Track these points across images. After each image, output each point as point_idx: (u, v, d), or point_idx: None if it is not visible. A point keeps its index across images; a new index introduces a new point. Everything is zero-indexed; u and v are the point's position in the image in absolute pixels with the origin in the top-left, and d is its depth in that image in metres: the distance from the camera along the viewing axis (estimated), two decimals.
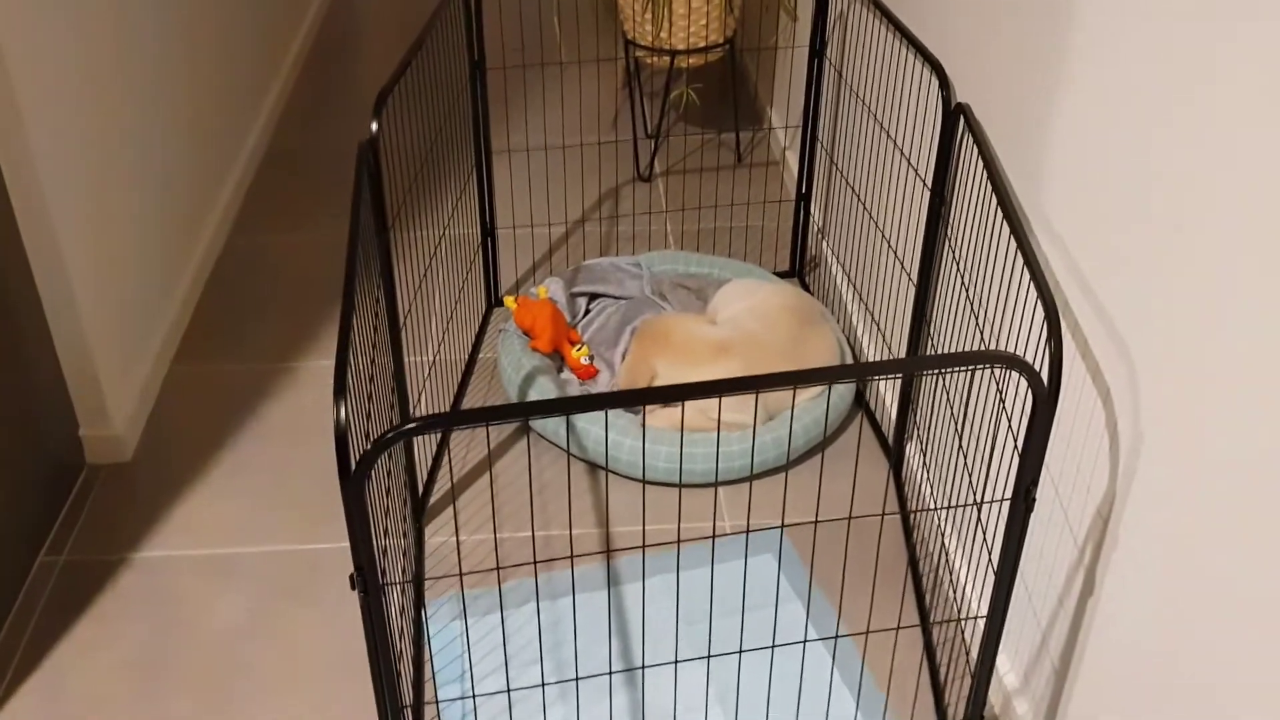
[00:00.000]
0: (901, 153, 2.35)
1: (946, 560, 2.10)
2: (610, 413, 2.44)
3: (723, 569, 2.23)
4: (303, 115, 3.90)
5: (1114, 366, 1.54)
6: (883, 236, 2.50)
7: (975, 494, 1.88)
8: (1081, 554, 1.67)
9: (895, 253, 2.42)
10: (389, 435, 1.25)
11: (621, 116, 3.85)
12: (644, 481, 2.43)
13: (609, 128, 3.78)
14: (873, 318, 2.60)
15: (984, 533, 1.67)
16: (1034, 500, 1.49)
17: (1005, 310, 1.84)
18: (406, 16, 4.72)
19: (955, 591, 2.09)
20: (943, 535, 2.14)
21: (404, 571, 1.99)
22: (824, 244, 3.00)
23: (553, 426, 2.46)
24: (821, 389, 2.52)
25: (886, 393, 2.54)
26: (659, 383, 2.48)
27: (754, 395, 2.44)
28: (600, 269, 2.90)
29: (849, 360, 2.62)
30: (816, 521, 2.32)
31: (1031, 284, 1.66)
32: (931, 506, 2.17)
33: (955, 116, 2.02)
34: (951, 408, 2.07)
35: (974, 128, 1.90)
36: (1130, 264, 1.49)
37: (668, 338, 2.49)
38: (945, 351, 2.14)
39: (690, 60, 3.35)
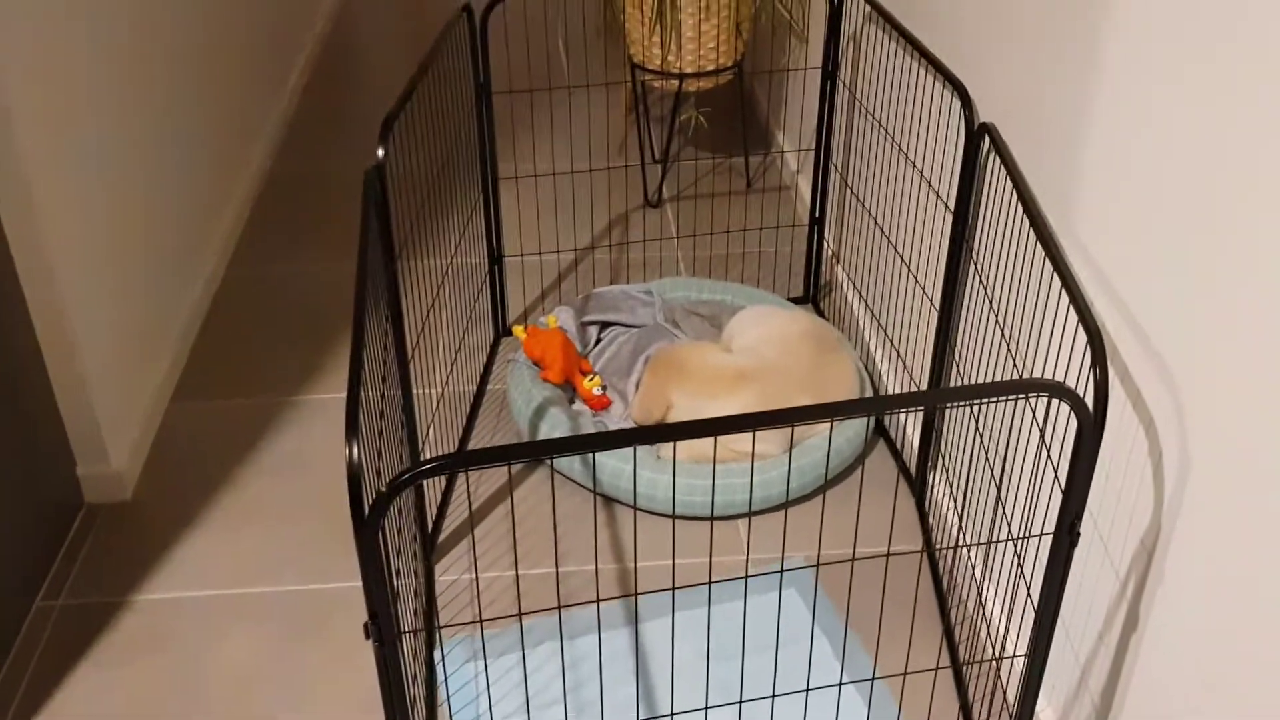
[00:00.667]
0: (921, 175, 2.29)
1: (979, 597, 2.02)
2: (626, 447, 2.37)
3: (749, 605, 2.16)
4: (303, 141, 3.85)
5: (1157, 393, 1.48)
6: (902, 261, 2.44)
7: (1011, 528, 1.81)
8: (1124, 588, 1.60)
9: (916, 277, 2.36)
10: (404, 477, 1.18)
11: (629, 142, 3.80)
12: (674, 517, 2.36)
13: (616, 153, 3.73)
14: (892, 344, 2.54)
15: (1021, 569, 1.60)
16: (1079, 535, 1.43)
17: (1038, 336, 1.78)
18: (408, 40, 4.69)
19: (989, 629, 2.01)
20: (974, 571, 2.07)
21: (415, 613, 1.91)
22: (838, 269, 2.94)
23: (566, 460, 2.40)
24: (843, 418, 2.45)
25: (907, 420, 2.47)
26: (675, 413, 2.41)
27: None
28: (611, 297, 2.83)
29: (868, 388, 2.55)
30: (853, 559, 2.24)
31: (1071, 308, 1.60)
32: (965, 542, 2.10)
33: (979, 137, 1.96)
34: (981, 437, 2.00)
35: (1000, 148, 1.84)
36: (1172, 285, 1.43)
37: (683, 367, 2.42)
38: (973, 380, 2.08)
39: (699, 84, 3.30)
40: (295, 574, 2.23)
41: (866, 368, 2.67)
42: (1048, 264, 1.72)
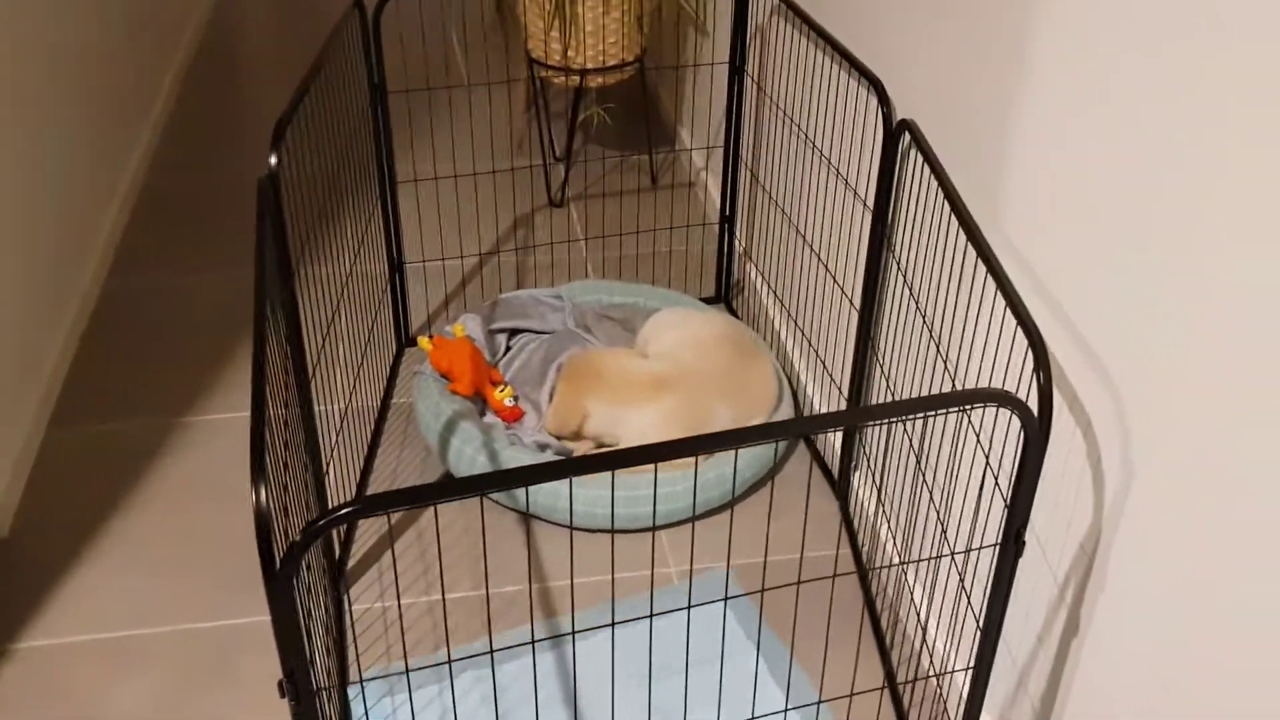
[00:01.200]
0: (837, 172, 2.24)
1: (915, 610, 1.98)
2: (540, 457, 2.28)
3: (673, 621, 2.09)
4: (183, 148, 3.66)
5: (1095, 394, 1.44)
6: (819, 260, 2.39)
7: (949, 540, 1.77)
8: (1063, 593, 1.57)
9: (834, 277, 2.31)
10: (319, 523, 1.08)
11: (528, 140, 3.70)
12: (613, 531, 2.28)
13: (516, 152, 3.62)
14: (810, 345, 2.49)
15: (962, 581, 1.56)
16: (1024, 544, 1.38)
17: (969, 338, 1.74)
18: (287, 40, 4.50)
19: (926, 642, 1.97)
20: (908, 583, 2.03)
21: (328, 651, 1.80)
22: (750, 268, 2.89)
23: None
24: (763, 418, 2.39)
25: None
26: (592, 423, 2.33)
27: (694, 430, 2.30)
28: (519, 302, 2.74)
29: (787, 391, 2.50)
30: (799, 583, 2.19)
31: (1007, 311, 1.56)
32: (903, 557, 2.05)
33: (898, 133, 1.91)
34: (913, 444, 1.96)
35: (922, 145, 1.80)
36: (1108, 284, 1.39)
37: (599, 375, 2.34)
38: (899, 384, 2.04)
39: (601, 80, 3.22)
40: (195, 611, 2.09)
41: (784, 369, 2.62)
42: (978, 264, 1.68)
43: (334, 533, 2.17)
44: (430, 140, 3.58)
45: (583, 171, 3.53)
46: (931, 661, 1.91)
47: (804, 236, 2.46)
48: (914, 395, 1.97)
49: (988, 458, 1.61)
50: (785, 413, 2.43)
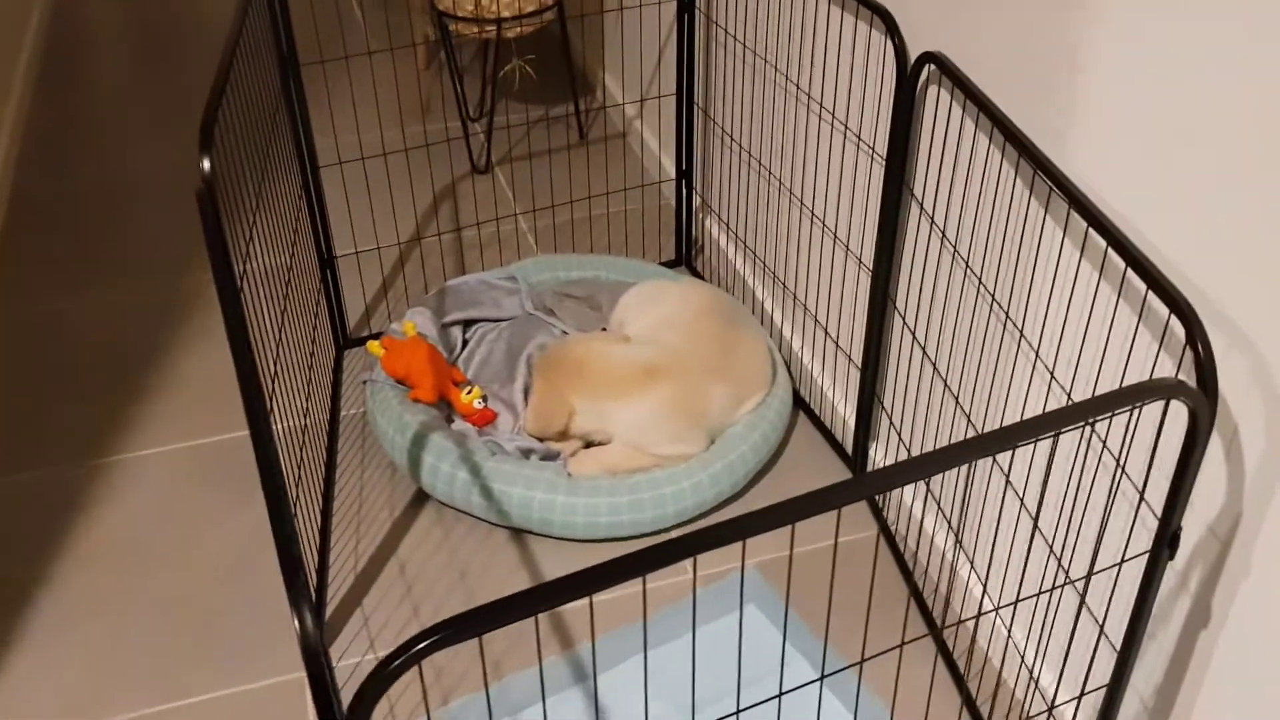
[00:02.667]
0: (833, 116, 2.00)
1: (1005, 631, 1.80)
2: (531, 469, 2.02)
3: (704, 634, 1.87)
4: (42, 156, 3.23)
5: (1227, 358, 1.25)
6: (813, 217, 2.16)
7: (1058, 557, 1.56)
8: (1184, 580, 1.39)
9: (835, 235, 2.08)
10: (394, 663, 0.82)
11: (435, 104, 3.37)
12: (579, 543, 2.03)
13: (425, 118, 3.29)
14: (805, 308, 2.27)
15: (1084, 601, 1.37)
16: (1177, 548, 1.19)
17: (1034, 289, 1.53)
18: (135, 25, 4.04)
19: (996, 653, 1.79)
20: (998, 617, 1.84)
21: None
22: (714, 226, 2.64)
23: (463, 493, 2.02)
24: (760, 396, 2.17)
25: (830, 388, 2.22)
26: (579, 421, 2.08)
27: (692, 418, 2.07)
28: (469, 289, 2.45)
29: (779, 364, 2.28)
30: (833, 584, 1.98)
31: (1128, 271, 1.34)
32: (993, 598, 1.86)
33: (916, 70, 1.69)
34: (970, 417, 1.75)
35: (959, 79, 1.57)
36: (1222, 235, 1.20)
37: (580, 367, 2.08)
38: (942, 347, 1.83)
39: (520, 28, 2.91)
40: (147, 693, 1.79)
41: (769, 335, 2.40)
42: (1046, 210, 1.47)
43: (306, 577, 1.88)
44: (329, 115, 3.22)
45: (504, 133, 3.23)
46: (1038, 691, 1.73)
47: (791, 191, 2.22)
48: (965, 362, 1.77)
49: (1121, 460, 1.41)
50: (781, 385, 2.22)
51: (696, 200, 2.71)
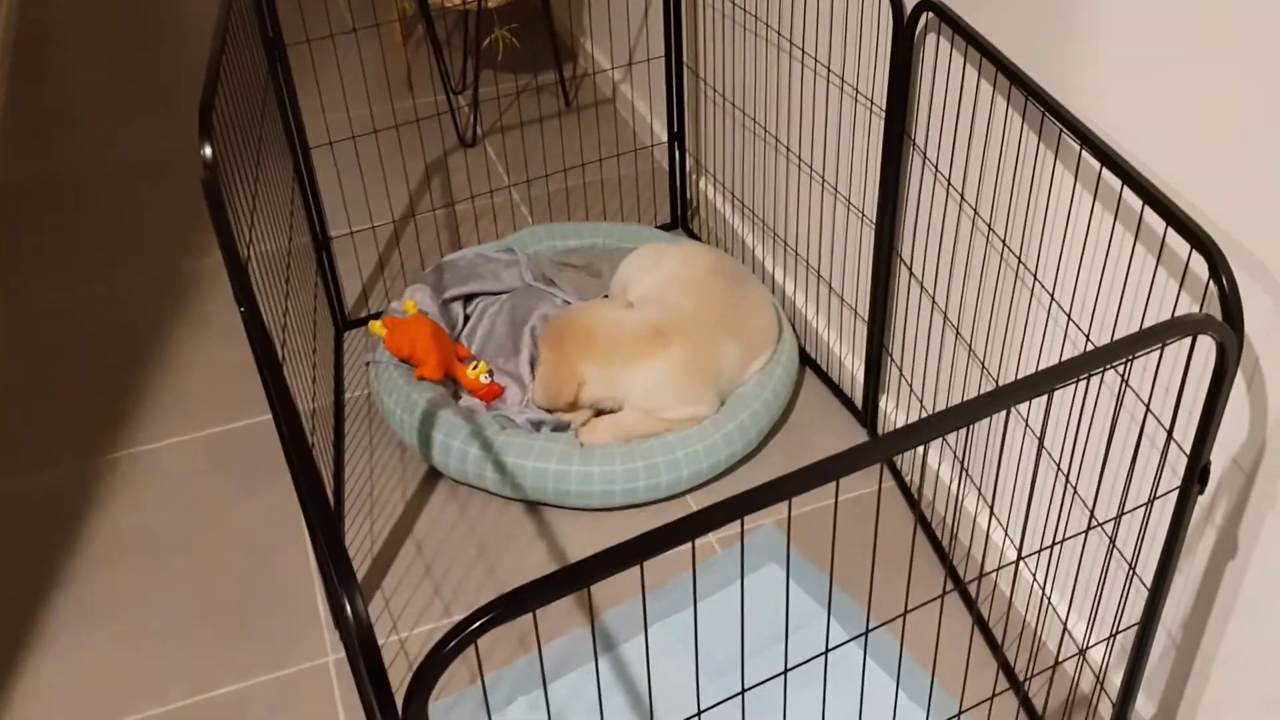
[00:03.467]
0: (828, 70, 1.99)
1: (1031, 578, 1.80)
2: (543, 440, 2.01)
3: (727, 595, 1.87)
4: (23, 145, 3.19)
5: (1248, 289, 1.25)
6: (812, 173, 2.15)
7: (1080, 498, 1.56)
8: (1210, 514, 1.40)
9: (836, 190, 2.07)
10: (449, 645, 0.81)
11: (420, 79, 3.33)
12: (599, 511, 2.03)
13: (408, 93, 3.26)
14: (807, 265, 2.26)
15: (1112, 541, 1.37)
16: (1206, 484, 1.20)
17: (1045, 232, 1.53)
18: (111, 10, 3.98)
19: (1017, 594, 1.80)
20: (1007, 535, 1.84)
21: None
22: (710, 187, 2.63)
23: (476, 469, 2.02)
24: (769, 354, 2.17)
25: (837, 343, 2.22)
26: (589, 389, 2.07)
27: (704, 378, 2.07)
28: (467, 263, 2.43)
29: (783, 316, 2.27)
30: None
31: (1145, 210, 1.34)
32: (1015, 540, 1.86)
33: (914, 19, 1.67)
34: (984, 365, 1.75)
35: (961, 27, 1.56)
36: (1238, 169, 1.19)
37: (587, 334, 2.07)
38: (952, 294, 1.82)
39: None
40: (180, 686, 1.79)
41: (771, 291, 2.39)
42: (1056, 154, 1.46)
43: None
44: (317, 96, 3.19)
45: (490, 105, 3.20)
46: (1069, 637, 1.74)
47: (788, 148, 2.20)
48: (976, 310, 1.77)
49: (1146, 400, 1.41)
50: (788, 341, 2.21)
51: (690, 163, 2.69)
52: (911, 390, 1.99)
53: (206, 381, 2.35)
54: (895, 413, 2.07)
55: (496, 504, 2.06)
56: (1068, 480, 1.44)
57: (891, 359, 2.04)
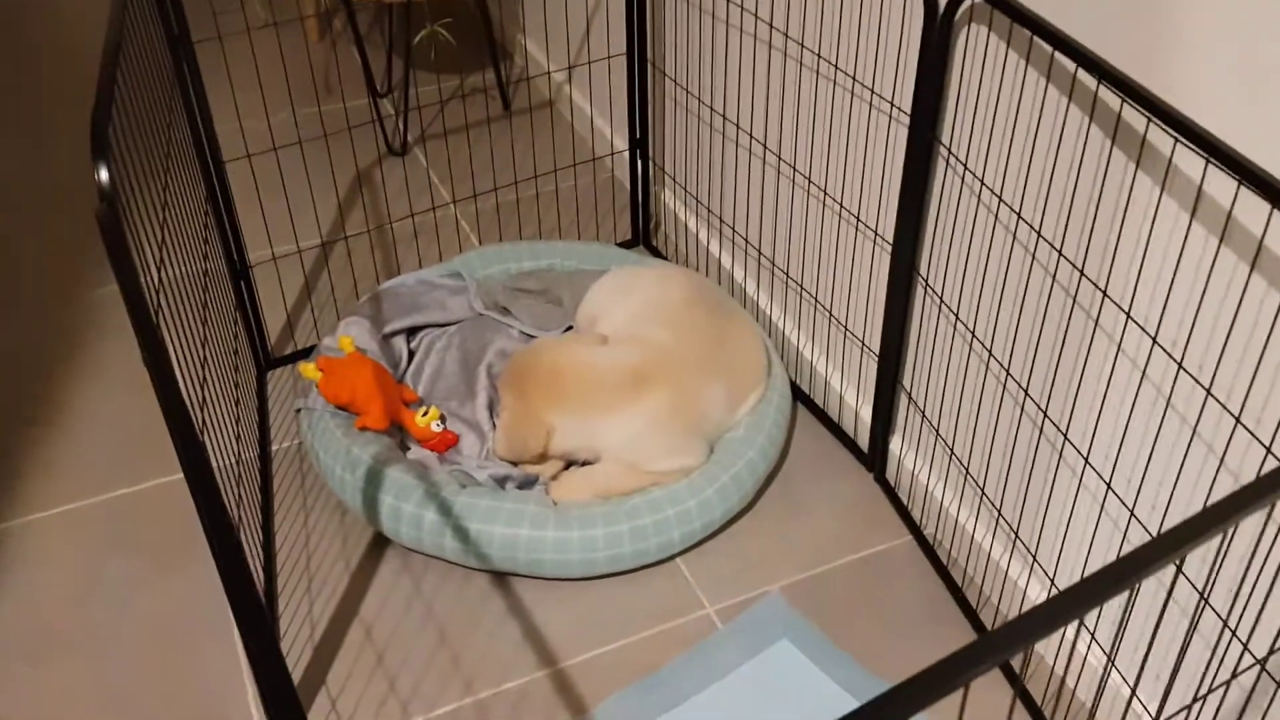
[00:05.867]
0: (835, 67, 1.73)
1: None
2: (512, 501, 1.73)
3: (736, 682, 1.61)
4: None
5: None
6: (809, 185, 1.90)
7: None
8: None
9: (842, 205, 1.82)
10: None
11: (334, 82, 3.01)
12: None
13: (326, 96, 2.93)
14: (801, 291, 2.00)
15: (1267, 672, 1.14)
16: None
17: (1121, 246, 1.29)
18: None
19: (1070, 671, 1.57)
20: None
21: None
22: (674, 201, 2.36)
23: (431, 538, 1.72)
24: (759, 393, 1.91)
25: (838, 379, 1.97)
26: (558, 439, 1.79)
27: (689, 426, 1.80)
28: (408, 291, 2.13)
29: (772, 352, 2.01)
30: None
31: (1270, 213, 1.10)
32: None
33: (950, 11, 1.43)
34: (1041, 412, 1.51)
35: (1014, 8, 1.32)
36: None
37: (557, 378, 1.79)
38: (998, 328, 1.58)
39: None
40: None
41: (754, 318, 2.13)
42: (1139, 153, 1.23)
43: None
44: (232, 99, 2.84)
45: (416, 111, 2.89)
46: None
47: (780, 158, 1.95)
48: (1027, 339, 1.53)
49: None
50: (779, 377, 1.96)
51: (655, 175, 2.43)
52: (937, 434, 1.74)
53: (106, 435, 2.02)
54: (907, 454, 1.83)
55: (458, 576, 1.77)
56: (1225, 624, 1.20)
57: (909, 396, 1.79)
